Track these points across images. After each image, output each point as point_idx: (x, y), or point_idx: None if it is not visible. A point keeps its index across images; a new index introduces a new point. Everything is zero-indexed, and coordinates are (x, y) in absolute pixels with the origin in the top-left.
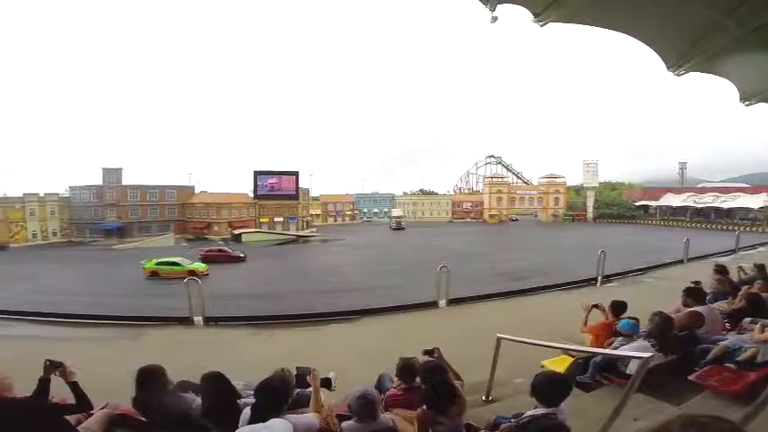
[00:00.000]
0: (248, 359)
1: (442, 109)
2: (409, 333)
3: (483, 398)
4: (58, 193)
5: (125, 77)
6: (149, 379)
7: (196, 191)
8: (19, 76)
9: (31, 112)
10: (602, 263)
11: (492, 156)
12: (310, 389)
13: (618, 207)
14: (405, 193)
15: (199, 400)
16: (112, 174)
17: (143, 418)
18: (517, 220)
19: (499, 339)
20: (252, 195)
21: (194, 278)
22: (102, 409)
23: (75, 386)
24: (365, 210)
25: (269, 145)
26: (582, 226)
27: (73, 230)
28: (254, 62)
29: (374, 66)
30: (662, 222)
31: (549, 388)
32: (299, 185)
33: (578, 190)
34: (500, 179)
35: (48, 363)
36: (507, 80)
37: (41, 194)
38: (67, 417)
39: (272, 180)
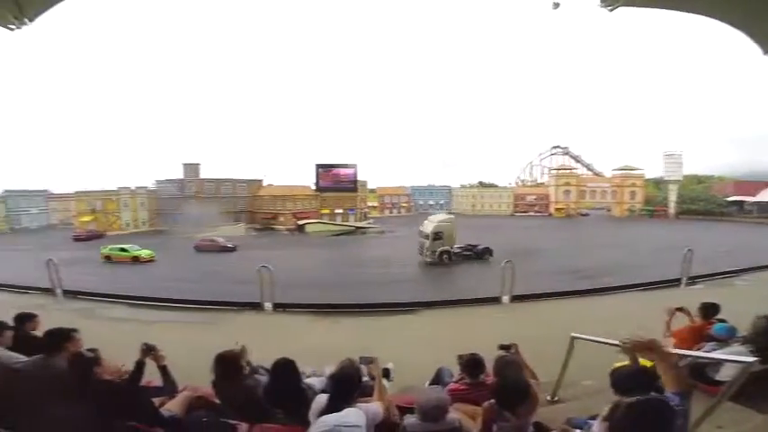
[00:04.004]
0: (312, 346)
1: (503, 98)
2: (469, 328)
3: (548, 398)
4: (146, 187)
5: (200, 78)
6: (227, 363)
7: (263, 184)
8: (112, 82)
9: (123, 111)
10: (687, 262)
11: (558, 146)
12: (366, 378)
13: (705, 202)
14: (462, 186)
15: (267, 383)
16: (191, 168)
17: (218, 401)
18: (587, 214)
19: (573, 339)
20: (314, 187)
21: (266, 266)
22: (182, 391)
23: (164, 369)
24: (421, 202)
25: (329, 137)
26: (662, 222)
27: (159, 220)
28: (315, 56)
29: (432, 55)
30: (760, 220)
31: (632, 381)
32: (357, 178)
33: (658, 183)
34: (568, 170)
35: (144, 346)
36: (574, 66)
37: (133, 188)
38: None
39: (332, 172)
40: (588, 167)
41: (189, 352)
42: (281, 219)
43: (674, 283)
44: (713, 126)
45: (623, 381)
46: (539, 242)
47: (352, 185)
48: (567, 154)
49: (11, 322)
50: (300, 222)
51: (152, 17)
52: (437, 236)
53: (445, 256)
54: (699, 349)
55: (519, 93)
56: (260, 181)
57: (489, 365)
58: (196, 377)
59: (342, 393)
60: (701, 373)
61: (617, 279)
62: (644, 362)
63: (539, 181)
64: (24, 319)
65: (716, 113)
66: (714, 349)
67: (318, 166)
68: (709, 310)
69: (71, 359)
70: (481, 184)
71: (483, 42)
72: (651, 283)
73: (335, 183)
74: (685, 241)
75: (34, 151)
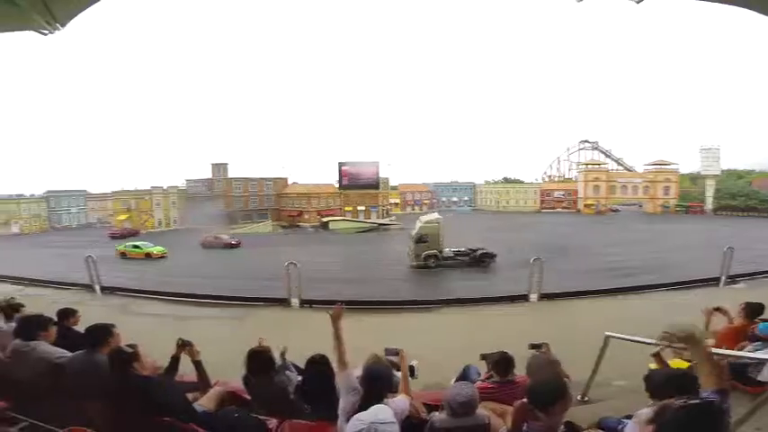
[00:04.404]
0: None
1: (529, 92)
2: (494, 326)
3: (578, 397)
4: (177, 186)
5: (228, 78)
6: (257, 359)
7: (289, 182)
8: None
9: (156, 113)
10: (727, 261)
11: (586, 141)
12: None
13: (746, 198)
14: (486, 182)
15: (296, 380)
16: (219, 168)
17: (248, 396)
18: (618, 210)
19: (607, 338)
20: (337, 185)
21: (293, 263)
22: (214, 386)
23: (198, 364)
24: (444, 198)
25: (352, 135)
26: (698, 219)
27: (189, 218)
28: (339, 54)
29: (457, 50)
30: None
31: (672, 384)
32: (380, 175)
33: (694, 178)
34: (597, 165)
35: (180, 342)
36: (604, 59)
37: (165, 187)
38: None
39: (355, 170)
40: (618, 162)
41: (217, 347)
42: (306, 216)
43: (713, 282)
44: (754, 120)
45: (663, 384)
46: (567, 239)
47: (374, 183)
48: (596, 149)
49: (54, 317)
50: (324, 220)
51: (180, 19)
52: (421, 238)
53: (432, 260)
54: (740, 349)
55: (546, 87)
56: (285, 179)
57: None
58: (225, 372)
59: (375, 391)
60: (741, 374)
61: (652, 277)
62: (676, 364)
63: (566, 176)
64: (66, 315)
65: (758, 107)
66: (758, 349)
67: (341, 164)
68: (754, 310)
69: (111, 355)
70: (506, 180)
71: (509, 35)
72: (688, 282)
73: (358, 180)
74: (724, 238)
75: (73, 153)
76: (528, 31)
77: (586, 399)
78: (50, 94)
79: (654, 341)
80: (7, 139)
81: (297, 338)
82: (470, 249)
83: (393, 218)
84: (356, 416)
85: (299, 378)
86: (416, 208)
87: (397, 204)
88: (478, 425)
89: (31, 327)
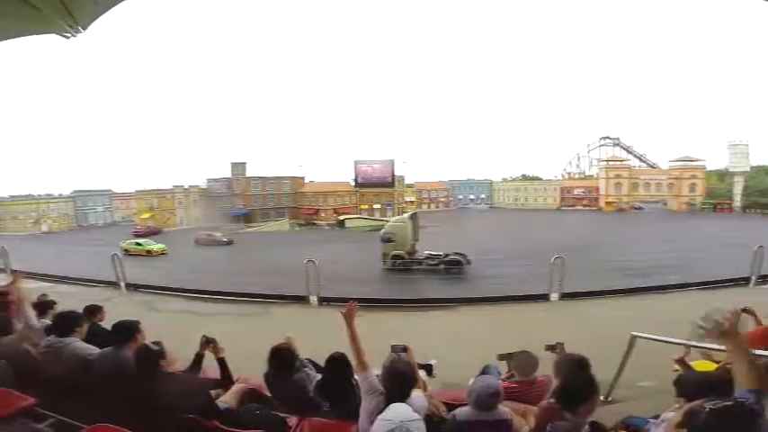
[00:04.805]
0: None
1: (547, 87)
2: (513, 325)
3: (602, 397)
4: (198, 185)
5: (245, 78)
6: (279, 357)
7: (305, 181)
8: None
9: (177, 113)
10: (758, 260)
11: (607, 137)
12: None
13: None
14: (504, 179)
15: (315, 377)
16: (238, 167)
17: (268, 393)
18: (641, 208)
19: (633, 338)
20: (353, 183)
21: (312, 260)
22: (236, 382)
23: (222, 362)
24: (460, 196)
25: (368, 133)
26: (726, 216)
27: (210, 216)
28: (353, 53)
29: (472, 44)
30: None
31: (707, 386)
32: (395, 173)
33: (722, 175)
34: (619, 162)
35: (204, 339)
36: (625, 51)
37: (186, 186)
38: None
39: (370, 168)
40: (641, 158)
41: (238, 344)
42: (323, 214)
43: (743, 282)
44: None
45: (697, 385)
46: (588, 237)
47: (389, 181)
48: (617, 145)
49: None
50: (340, 218)
51: (199, 20)
52: (389, 239)
53: (399, 261)
54: None
55: (565, 81)
56: (302, 178)
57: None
58: (245, 369)
59: (399, 389)
60: None
61: (677, 277)
62: (702, 366)
63: (587, 173)
64: (93, 312)
65: None
66: None
67: (357, 162)
68: None
69: (138, 352)
70: (524, 177)
71: (524, 28)
72: (716, 282)
73: (373, 178)
74: (754, 237)
75: (98, 153)
76: (546, 23)
77: (610, 399)
78: (77, 96)
79: (682, 341)
80: (36, 140)
81: (316, 336)
82: (445, 254)
83: None
84: (382, 415)
85: (319, 376)
86: (432, 205)
87: (412, 202)
88: (501, 420)
89: (66, 323)
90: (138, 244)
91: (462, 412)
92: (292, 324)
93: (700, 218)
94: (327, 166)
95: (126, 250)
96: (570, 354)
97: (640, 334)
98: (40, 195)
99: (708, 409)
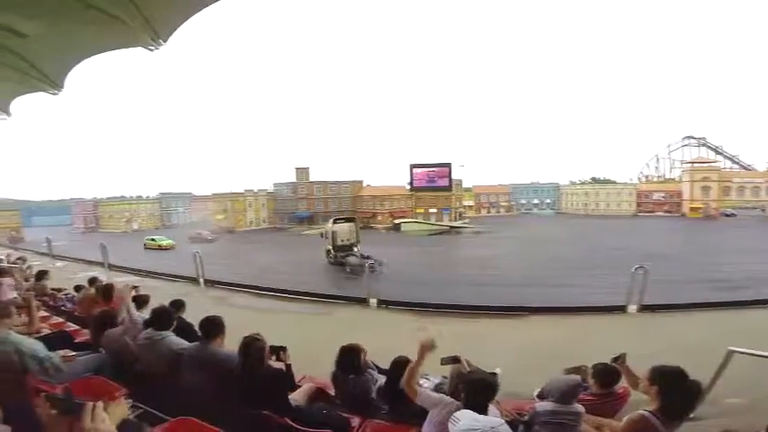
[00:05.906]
0: (413, 344)
1: (622, 84)
2: (586, 337)
3: None
4: (266, 189)
5: (308, 86)
6: (348, 357)
7: (363, 184)
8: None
9: (249, 122)
10: None
11: (691, 136)
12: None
13: None
14: (572, 182)
15: (378, 379)
16: (302, 172)
17: (331, 392)
18: (733, 215)
19: (730, 353)
20: (408, 187)
21: (373, 263)
22: (301, 380)
23: (288, 368)
24: (523, 201)
25: (424, 136)
26: None
27: (276, 219)
28: (413, 58)
29: (541, 41)
30: None
31: None
32: (452, 177)
33: None
34: (707, 164)
35: (272, 348)
36: (711, 44)
37: (255, 190)
38: None
39: (426, 172)
40: (733, 160)
41: (297, 341)
42: (379, 217)
43: None
44: None
45: None
46: (671, 247)
47: (446, 185)
48: (703, 145)
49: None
50: (396, 221)
51: (265, 35)
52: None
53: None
54: None
55: (642, 77)
56: (361, 182)
57: None
58: (309, 366)
59: (483, 400)
60: None
61: None
62: None
63: (667, 176)
64: (177, 306)
65: None
66: None
67: (413, 166)
68: None
69: (243, 344)
70: (594, 180)
71: (600, 20)
72: None
73: (429, 182)
74: None
75: (181, 158)
76: (625, 14)
77: (692, 416)
78: (162, 105)
79: None
80: (128, 146)
81: (375, 338)
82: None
83: (467, 221)
84: (470, 419)
85: (382, 378)
86: (492, 210)
87: (471, 207)
88: (578, 413)
89: (164, 318)
90: (153, 239)
91: (542, 406)
92: (352, 325)
93: None
94: (387, 169)
95: (145, 245)
96: (667, 365)
97: (739, 349)
98: (131, 197)
99: None
